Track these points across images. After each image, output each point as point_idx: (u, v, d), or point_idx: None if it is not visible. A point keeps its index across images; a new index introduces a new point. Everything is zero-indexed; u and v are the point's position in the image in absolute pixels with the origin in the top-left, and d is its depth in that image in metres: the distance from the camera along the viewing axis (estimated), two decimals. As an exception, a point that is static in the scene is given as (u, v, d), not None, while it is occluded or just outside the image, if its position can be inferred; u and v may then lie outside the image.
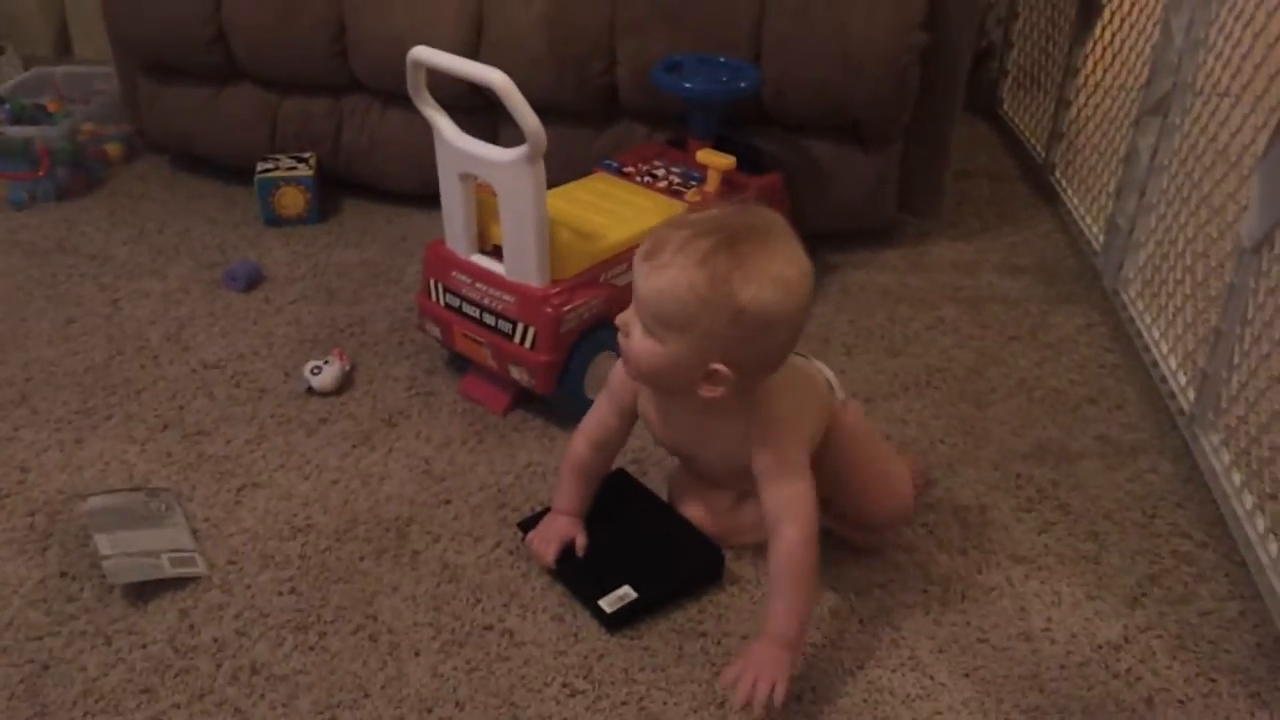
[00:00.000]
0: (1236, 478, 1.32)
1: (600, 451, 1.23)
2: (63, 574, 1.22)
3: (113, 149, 2.18)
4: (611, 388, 1.20)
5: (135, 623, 1.16)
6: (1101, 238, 1.85)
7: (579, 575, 1.21)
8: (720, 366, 1.02)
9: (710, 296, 0.98)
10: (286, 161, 1.97)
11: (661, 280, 1.00)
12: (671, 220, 1.04)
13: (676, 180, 1.63)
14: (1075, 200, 2.03)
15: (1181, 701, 1.10)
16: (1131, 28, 1.85)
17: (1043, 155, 2.19)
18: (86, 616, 1.17)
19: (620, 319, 1.06)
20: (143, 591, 1.19)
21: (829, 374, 1.23)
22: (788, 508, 1.08)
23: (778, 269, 0.99)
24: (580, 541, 1.22)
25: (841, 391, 1.22)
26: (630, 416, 1.21)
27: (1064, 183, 2.11)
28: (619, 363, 1.14)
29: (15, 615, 1.17)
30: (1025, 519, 1.33)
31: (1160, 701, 1.10)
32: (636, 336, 1.04)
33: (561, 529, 1.23)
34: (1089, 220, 1.95)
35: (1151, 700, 1.10)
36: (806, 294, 1.02)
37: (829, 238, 1.88)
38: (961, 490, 1.37)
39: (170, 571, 1.20)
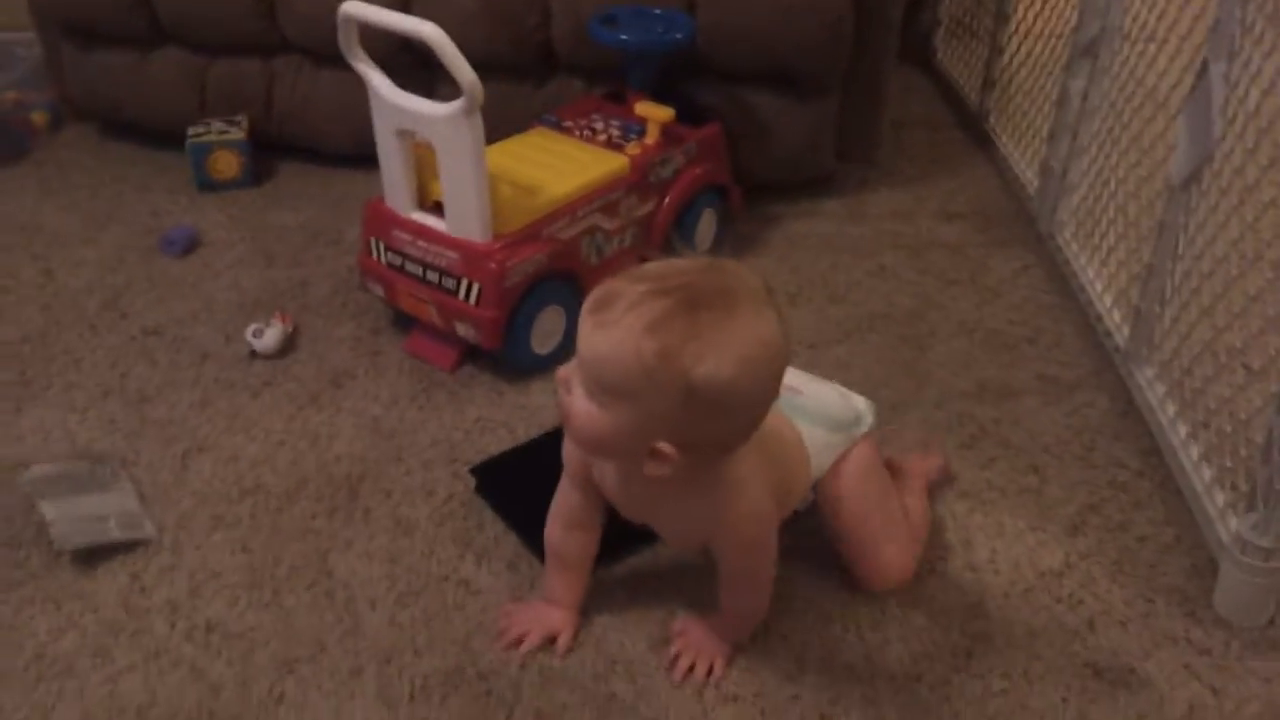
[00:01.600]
0: (1170, 409, 1.35)
1: (573, 531, 1.09)
2: (7, 542, 1.20)
3: (38, 117, 2.12)
4: (567, 462, 1.06)
5: (85, 587, 1.15)
6: (1036, 182, 1.88)
7: (531, 523, 1.21)
8: (665, 446, 0.88)
9: (658, 370, 0.83)
10: (218, 125, 1.94)
11: (605, 343, 0.85)
12: (629, 272, 0.88)
13: (616, 134, 1.63)
14: (1010, 146, 2.06)
15: (1122, 622, 1.14)
16: (1060, -26, 1.88)
17: (977, 103, 2.22)
18: (34, 583, 1.15)
19: (560, 372, 0.90)
20: (91, 557, 1.18)
21: (860, 405, 1.15)
22: (745, 578, 1.05)
23: (741, 344, 0.84)
24: (563, 641, 1.09)
25: (869, 418, 1.15)
26: (593, 490, 1.05)
27: (998, 129, 2.13)
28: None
29: (-38, 585, 1.15)
30: (968, 455, 1.36)
31: (1101, 623, 1.14)
32: (577, 397, 0.89)
33: (549, 621, 1.10)
34: (1023, 165, 1.98)
35: (1093, 622, 1.14)
36: (773, 373, 0.88)
37: (769, 188, 1.89)
38: (905, 431, 1.40)
39: (118, 535, 1.19)
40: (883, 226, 1.87)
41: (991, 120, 2.16)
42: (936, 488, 1.29)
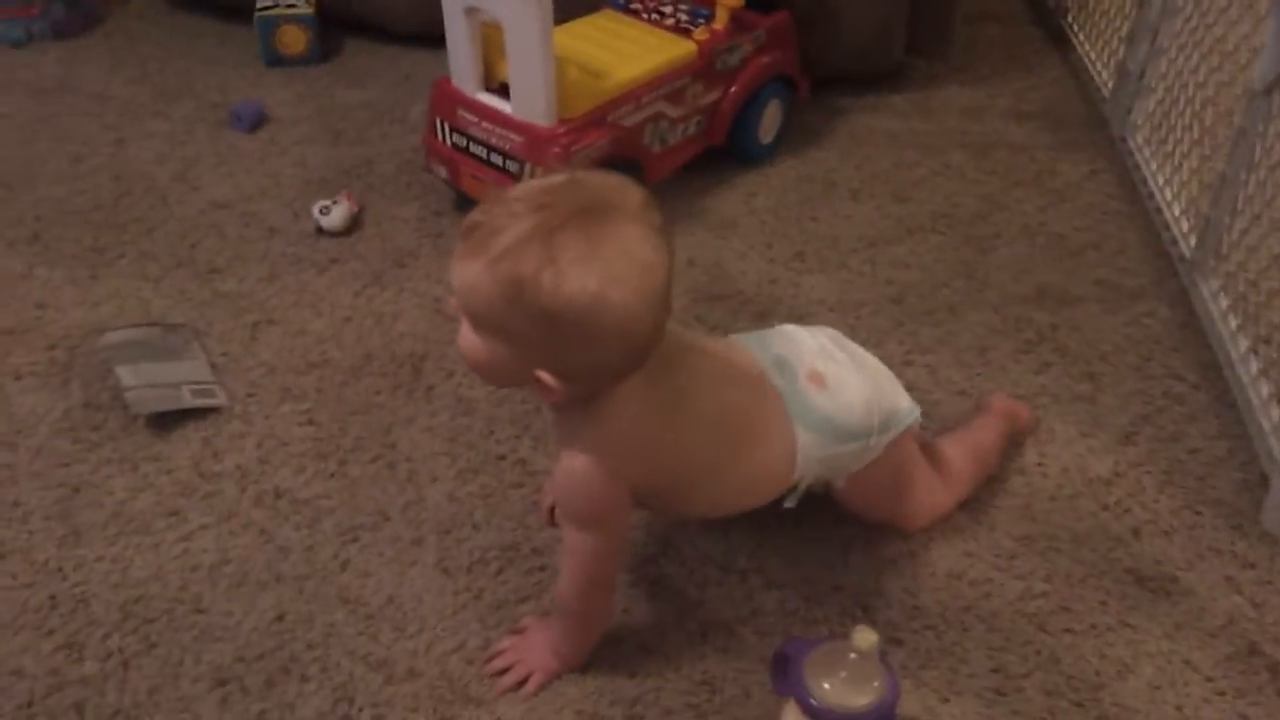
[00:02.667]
0: (1233, 322, 1.34)
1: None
2: (86, 405, 1.25)
3: (107, -15, 2.13)
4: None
5: (160, 450, 1.20)
6: (1111, 83, 1.83)
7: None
8: (544, 375, 0.83)
9: (517, 298, 0.79)
10: (286, -1, 1.94)
11: (469, 273, 0.81)
12: (496, 195, 0.84)
13: (684, 18, 1.61)
14: (1086, 45, 2.00)
15: (1167, 532, 1.15)
16: None
17: (1056, -1, 2.15)
18: (112, 444, 1.21)
19: (450, 301, 0.87)
20: (165, 421, 1.23)
21: (898, 405, 1.05)
22: (569, 557, 0.95)
23: (604, 263, 0.78)
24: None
25: (904, 420, 1.05)
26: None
27: (1075, 27, 2.07)
28: None
29: (44, 443, 1.21)
30: (1023, 360, 1.36)
31: (1147, 532, 1.15)
32: (463, 328, 0.86)
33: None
34: (1099, 66, 1.92)
35: (1138, 531, 1.15)
36: (646, 293, 0.81)
37: (836, 81, 1.86)
38: (962, 333, 1.40)
39: (191, 402, 1.24)
40: (950, 124, 1.84)
41: (1069, 18, 2.10)
42: (1017, 435, 1.24)
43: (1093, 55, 1.96)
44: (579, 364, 0.84)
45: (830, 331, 1.09)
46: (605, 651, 1.01)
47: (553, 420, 0.96)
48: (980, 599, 1.08)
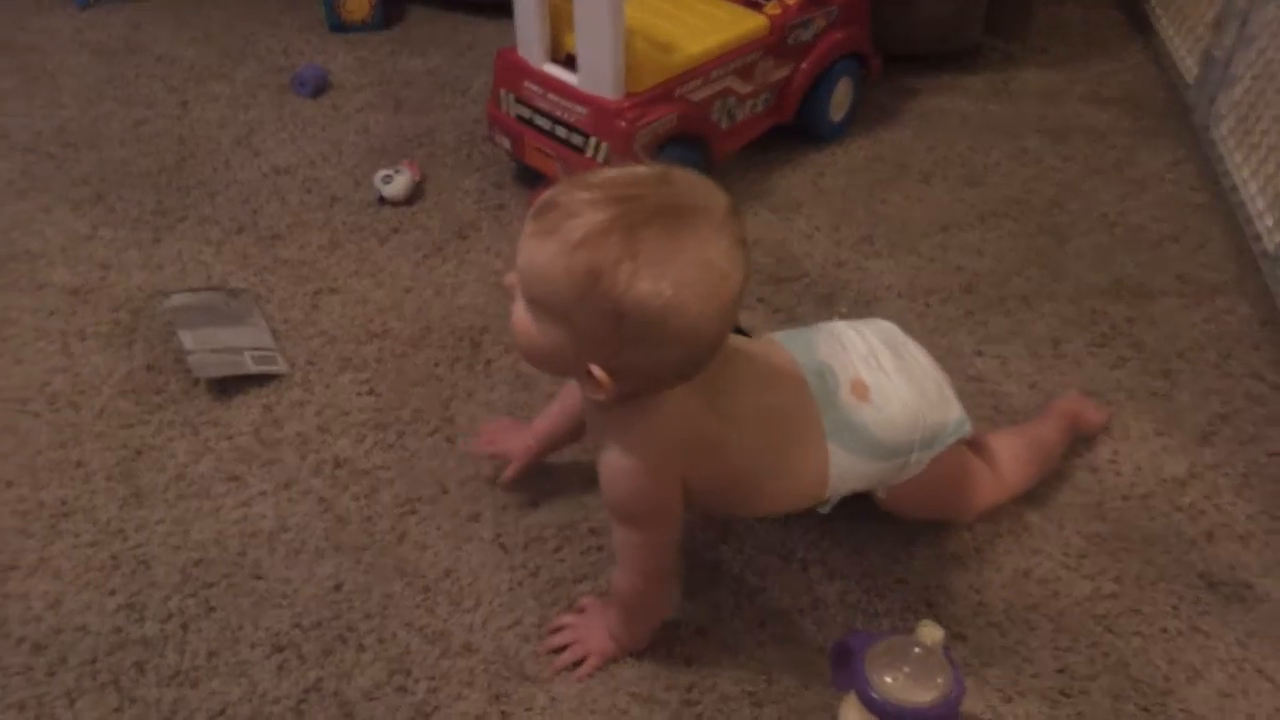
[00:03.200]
0: (1318, 321, 1.29)
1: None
2: (149, 367, 1.25)
3: (175, -54, 2.13)
4: None
5: (221, 415, 1.20)
6: (1195, 70, 1.77)
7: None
8: (597, 370, 0.81)
9: (587, 289, 0.76)
10: (352, -36, 1.92)
11: (537, 254, 0.78)
12: (578, 177, 0.81)
13: (757, -8, 1.58)
14: (1170, 30, 1.94)
15: (1242, 537, 1.11)
16: None
17: (1139, -19, 2.08)
18: (174, 407, 1.21)
19: (508, 278, 0.84)
20: (226, 386, 1.23)
21: (946, 418, 1.00)
22: (620, 551, 0.94)
23: (682, 268, 0.76)
24: (510, 471, 1.11)
25: (951, 435, 1.00)
26: None
27: (1159, 11, 2.00)
28: None
29: (106, 404, 1.21)
30: (1098, 354, 1.32)
31: (1221, 535, 1.11)
32: (518, 306, 0.83)
33: (510, 443, 1.11)
34: (1183, 52, 1.86)
35: (1212, 534, 1.11)
36: (718, 304, 0.78)
37: (911, 60, 1.82)
38: (1035, 323, 1.36)
39: (253, 368, 1.24)
40: (1027, 107, 1.79)
41: (1153, 1, 2.03)
42: (1084, 435, 1.20)
43: (1177, 41, 1.90)
44: (637, 364, 0.81)
45: (884, 326, 1.04)
46: (662, 635, 1.00)
47: (588, 411, 0.92)
48: (1047, 597, 1.05)
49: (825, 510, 1.01)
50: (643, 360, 0.80)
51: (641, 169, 0.81)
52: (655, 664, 0.98)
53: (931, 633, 0.84)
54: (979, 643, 1.01)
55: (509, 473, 1.11)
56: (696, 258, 0.76)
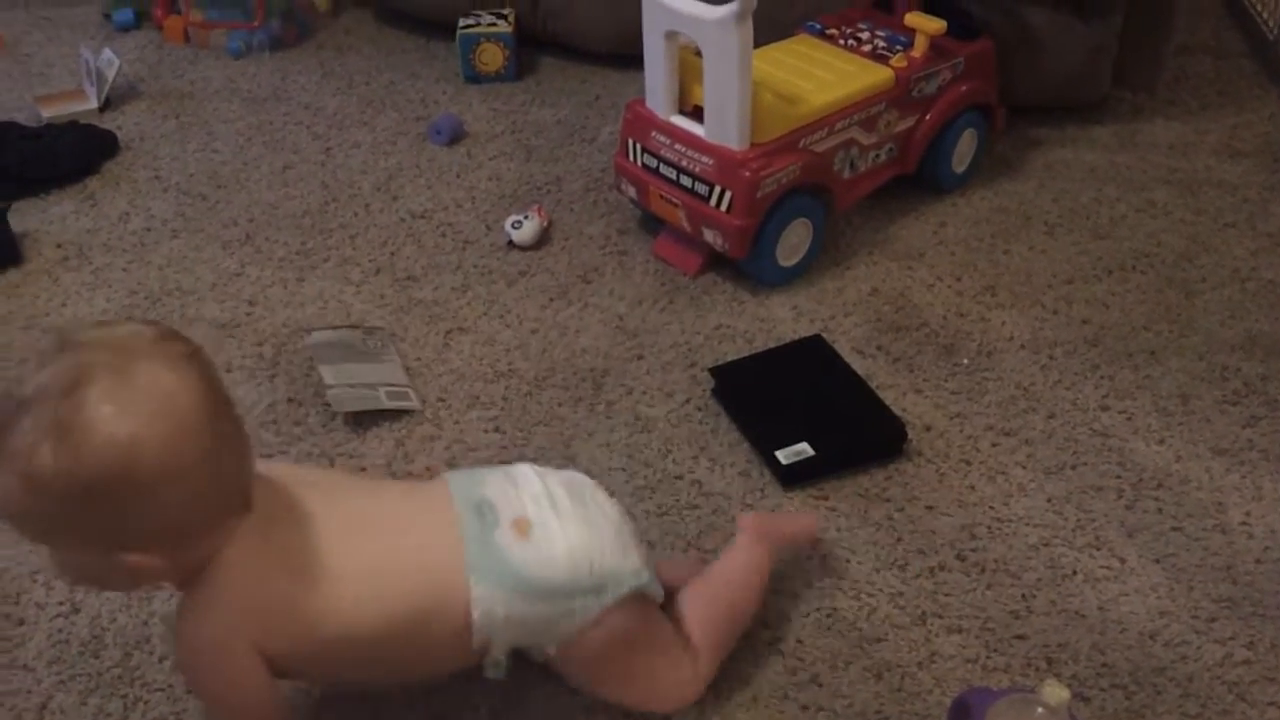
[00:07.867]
0: None
1: None
2: (290, 400, 1.32)
3: (320, 1, 2.24)
4: None
5: (356, 448, 1.25)
6: (1337, 122, 1.73)
7: (760, 427, 1.24)
8: (130, 557, 0.76)
9: (33, 490, 0.72)
10: (487, 18, 2.00)
11: None
12: None
13: (882, 44, 1.59)
14: (1310, 81, 1.89)
15: (1385, 606, 1.07)
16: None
17: (1275, 31, 2.03)
18: (312, 439, 1.27)
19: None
20: (362, 420, 1.28)
21: (622, 567, 0.90)
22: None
23: (106, 425, 0.72)
24: None
25: (625, 587, 0.90)
26: None
27: (1298, 61, 1.96)
28: None
29: (249, 433, 1.27)
30: (1230, 411, 1.29)
31: (1362, 603, 1.07)
32: (46, 558, 0.81)
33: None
34: (1324, 103, 1.81)
35: (1352, 601, 1.07)
36: (169, 433, 0.74)
37: (1036, 111, 1.81)
38: (1163, 379, 1.34)
39: (387, 404, 1.29)
40: (1156, 159, 1.76)
41: (1291, 50, 1.98)
42: (803, 547, 1.13)
43: (1315, 91, 1.85)
44: (149, 525, 0.76)
45: (574, 476, 0.96)
46: (778, 679, 1.01)
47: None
48: (1175, 661, 1.02)
49: (497, 674, 0.92)
50: (151, 518, 0.76)
51: (42, 363, 0.75)
52: (770, 709, 0.99)
53: (1057, 693, 0.83)
54: (1103, 704, 0.99)
55: None
56: (117, 408, 0.73)
